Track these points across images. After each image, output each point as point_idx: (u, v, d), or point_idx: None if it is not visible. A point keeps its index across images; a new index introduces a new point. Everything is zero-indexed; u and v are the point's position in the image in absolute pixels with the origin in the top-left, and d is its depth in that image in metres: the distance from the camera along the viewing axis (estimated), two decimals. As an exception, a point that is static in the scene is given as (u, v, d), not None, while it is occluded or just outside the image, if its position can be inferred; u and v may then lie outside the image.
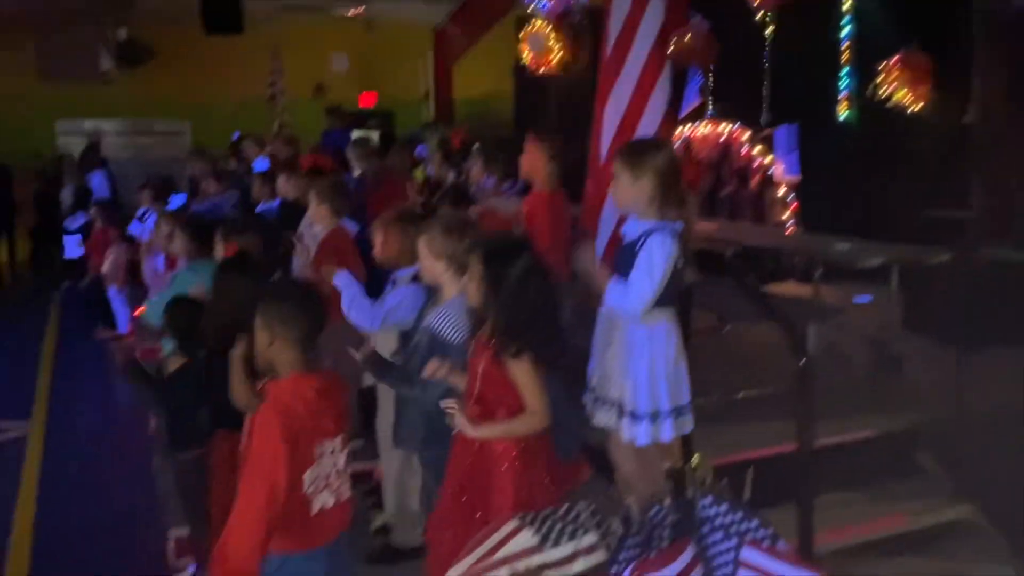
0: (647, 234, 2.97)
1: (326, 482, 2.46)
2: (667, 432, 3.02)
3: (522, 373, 2.63)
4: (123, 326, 8.61)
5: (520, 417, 2.67)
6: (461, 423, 2.68)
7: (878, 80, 6.56)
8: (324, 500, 2.46)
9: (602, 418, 3.15)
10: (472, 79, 14.89)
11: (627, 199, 3.07)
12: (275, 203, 6.40)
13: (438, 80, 15.22)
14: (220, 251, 4.32)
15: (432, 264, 3.17)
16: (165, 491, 4.40)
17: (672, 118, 4.70)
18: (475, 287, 2.72)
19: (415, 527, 3.67)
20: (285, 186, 6.22)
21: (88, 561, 4.37)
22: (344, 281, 3.65)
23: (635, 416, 3.01)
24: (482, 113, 14.15)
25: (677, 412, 3.04)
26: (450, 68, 15.08)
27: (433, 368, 2.84)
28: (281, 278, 4.12)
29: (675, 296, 3.07)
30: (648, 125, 4.02)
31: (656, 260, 2.92)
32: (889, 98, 6.57)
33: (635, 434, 3.03)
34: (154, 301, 4.74)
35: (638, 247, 2.97)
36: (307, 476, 2.40)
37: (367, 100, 15.38)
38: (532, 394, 2.65)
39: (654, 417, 3.01)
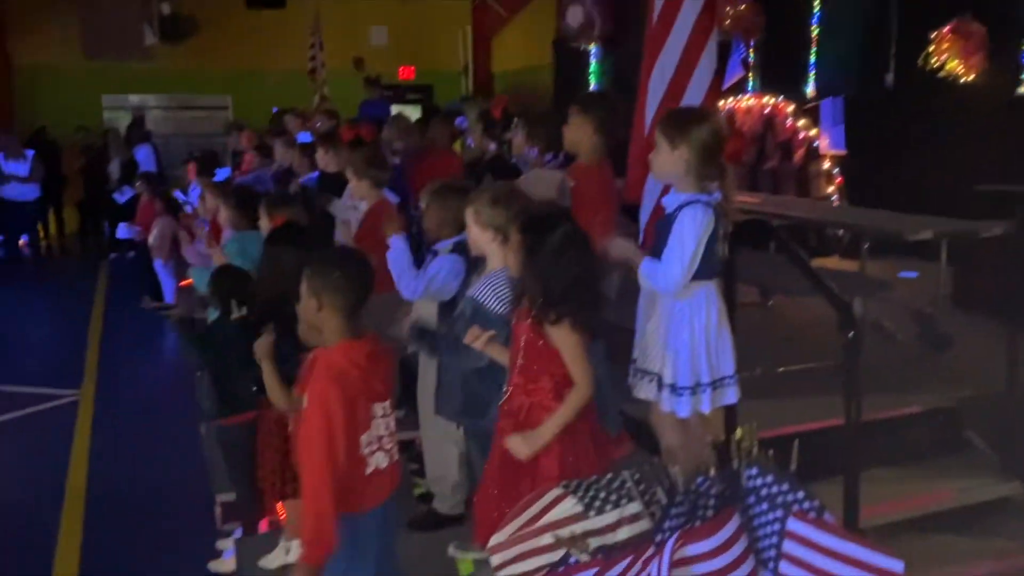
0: (681, 207, 2.93)
1: (379, 444, 2.50)
2: (707, 403, 3.01)
3: (562, 339, 2.62)
4: (169, 297, 8.77)
5: (564, 403, 2.64)
6: (517, 445, 2.65)
7: (930, 49, 6.40)
8: (378, 461, 2.51)
9: (643, 390, 3.14)
10: (511, 52, 14.79)
11: (664, 168, 3.03)
12: (314, 175, 6.45)
13: (477, 53, 15.16)
14: (265, 224, 4.36)
15: (479, 234, 3.17)
16: (212, 456, 4.48)
17: (717, 89, 4.62)
18: (514, 257, 2.71)
19: (456, 494, 3.72)
20: (324, 158, 6.24)
21: (137, 523, 4.49)
22: (398, 246, 3.68)
23: (675, 389, 3.00)
24: (521, 85, 14.05)
25: (717, 383, 3.02)
26: (489, 41, 15.01)
27: (474, 335, 2.85)
28: (329, 247, 4.15)
29: (715, 269, 3.03)
30: (693, 96, 3.96)
31: (687, 236, 2.88)
32: (940, 68, 6.41)
33: (676, 406, 3.01)
34: (202, 270, 4.83)
35: (673, 220, 2.94)
36: (363, 438, 2.45)
37: (406, 73, 15.39)
38: (575, 361, 2.63)
39: (695, 390, 2.99)
